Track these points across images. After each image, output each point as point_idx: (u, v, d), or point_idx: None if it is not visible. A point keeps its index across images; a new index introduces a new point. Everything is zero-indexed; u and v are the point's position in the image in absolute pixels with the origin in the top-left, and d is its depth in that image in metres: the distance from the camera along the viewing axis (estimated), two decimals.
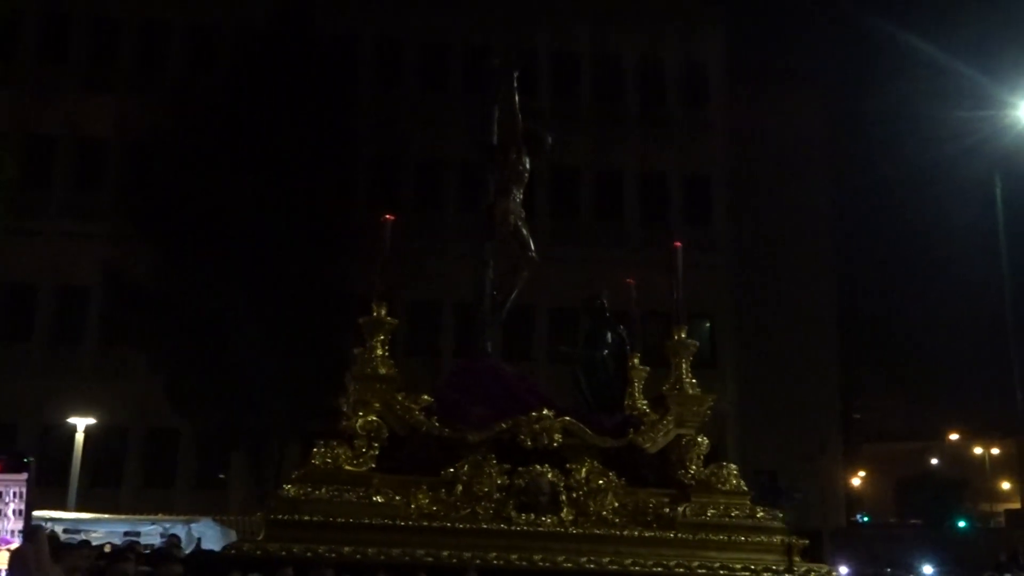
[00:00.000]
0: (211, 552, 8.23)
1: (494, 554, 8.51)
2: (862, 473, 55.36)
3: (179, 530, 16.08)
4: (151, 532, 16.19)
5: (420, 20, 30.35)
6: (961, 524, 36.85)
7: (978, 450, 55.86)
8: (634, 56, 31.25)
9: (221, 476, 27.58)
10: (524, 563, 8.50)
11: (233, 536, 17.95)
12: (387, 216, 9.72)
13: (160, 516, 18.13)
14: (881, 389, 54.42)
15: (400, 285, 9.81)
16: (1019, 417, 24.09)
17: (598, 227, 29.95)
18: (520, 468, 9.06)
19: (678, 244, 10.15)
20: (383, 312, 9.48)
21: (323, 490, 8.65)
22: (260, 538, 8.37)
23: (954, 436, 57.48)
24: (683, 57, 31.56)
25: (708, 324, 28.71)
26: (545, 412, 9.24)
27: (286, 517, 8.44)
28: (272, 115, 23.00)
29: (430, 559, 8.35)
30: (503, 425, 9.19)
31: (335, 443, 9.00)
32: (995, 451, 55.63)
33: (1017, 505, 54.38)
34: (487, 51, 28.90)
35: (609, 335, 10.36)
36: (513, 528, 8.78)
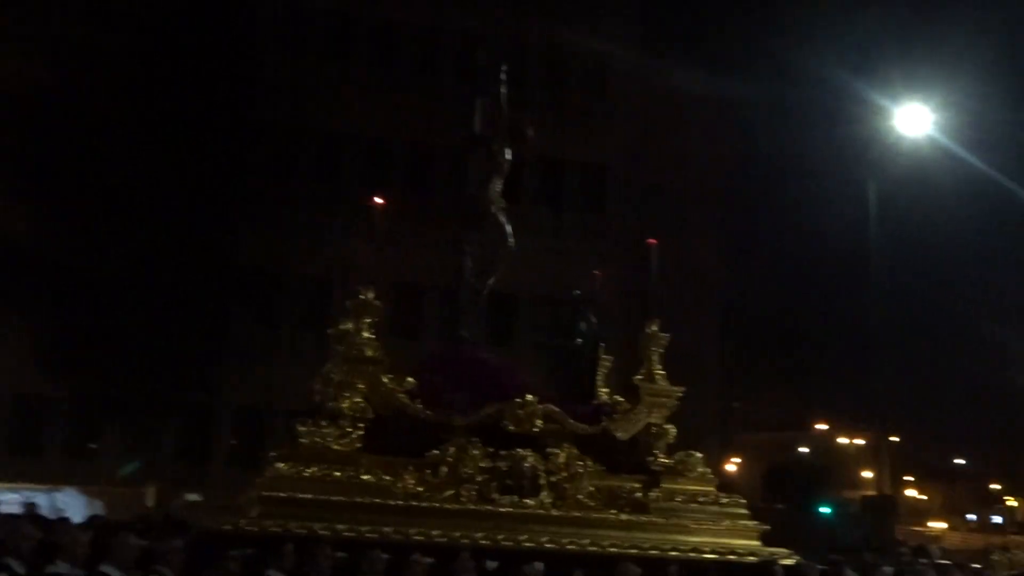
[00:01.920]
0: (209, 529, 8.21)
1: (482, 534, 8.78)
2: (737, 460, 57.72)
3: (42, 499, 15.71)
4: (11, 501, 15.74)
5: None
6: (824, 509, 39.04)
7: (843, 440, 58.74)
8: (540, 44, 31.29)
9: (92, 446, 26.71)
10: (511, 543, 8.80)
11: (99, 507, 17.63)
12: (376, 200, 9.81)
13: (20, 484, 17.61)
14: (760, 380, 56.53)
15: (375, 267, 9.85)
16: (875, 411, 25.67)
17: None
18: (503, 452, 9.36)
19: (653, 241, 10.57)
20: (371, 295, 9.60)
21: (314, 469, 8.75)
22: (254, 515, 8.40)
23: (822, 426, 60.34)
24: (584, 48, 31.69)
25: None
26: (529, 398, 9.56)
27: (279, 495, 8.52)
28: (166, 77, 22.35)
29: (421, 538, 8.56)
30: (489, 410, 9.46)
31: (323, 423, 9.09)
32: (859, 442, 58.63)
33: (870, 494, 58.09)
34: (397, 27, 29.33)
35: (583, 325, 10.73)
36: (498, 510, 9.09)
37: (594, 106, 31.44)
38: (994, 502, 54.78)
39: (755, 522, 9.74)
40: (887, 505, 33.96)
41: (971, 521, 56.79)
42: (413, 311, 26.52)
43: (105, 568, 6.47)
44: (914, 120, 20.59)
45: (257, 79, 26.05)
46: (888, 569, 10.14)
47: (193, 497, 22.80)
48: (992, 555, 13.11)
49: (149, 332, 21.71)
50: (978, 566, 12.67)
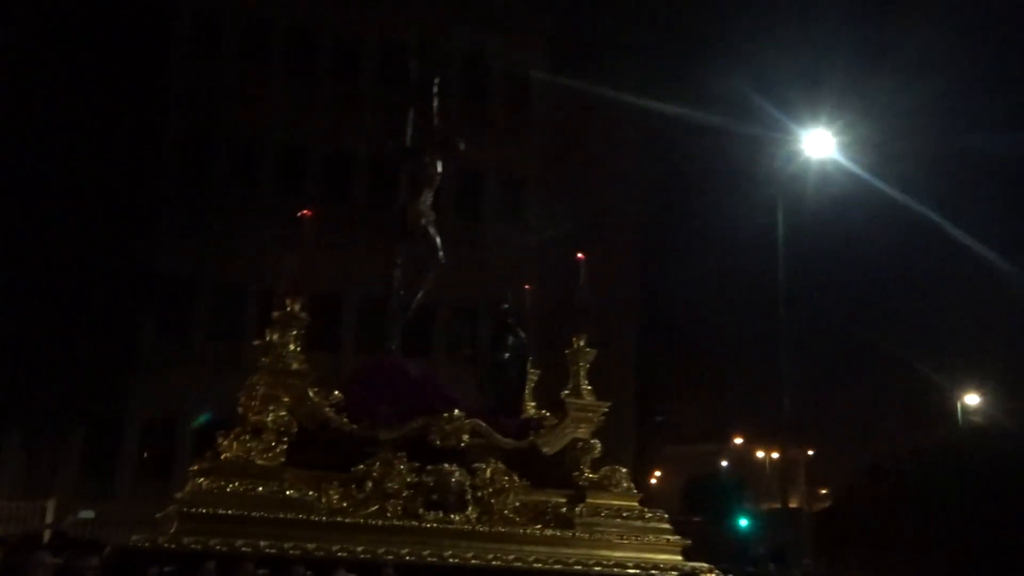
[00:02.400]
0: (126, 546, 7.92)
1: (407, 550, 8.69)
2: (658, 473, 58.56)
3: None
4: None
5: None
6: (743, 522, 39.86)
7: (760, 454, 60.09)
8: (458, 57, 31.36)
9: None
10: (435, 560, 8.73)
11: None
12: (305, 212, 9.68)
13: None
14: (682, 394, 57.41)
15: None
16: (783, 425, 26.39)
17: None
18: (429, 467, 9.29)
19: (582, 256, 10.66)
20: (296, 307, 9.44)
21: (236, 484, 8.54)
22: (172, 531, 8.15)
23: (738, 440, 61.67)
24: (506, 61, 31.97)
25: None
26: (456, 412, 9.51)
27: (200, 511, 8.29)
28: (76, 81, 21.71)
29: (345, 554, 8.43)
30: (415, 424, 9.39)
31: (245, 436, 8.88)
32: (775, 455, 60.06)
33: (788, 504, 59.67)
34: (315, 32, 29.02)
35: (511, 339, 10.74)
36: (423, 525, 9.01)
37: (515, 118, 31.52)
38: None
39: (677, 536, 9.86)
40: (793, 518, 34.83)
41: None
42: (332, 322, 26.17)
43: None
44: (818, 143, 21.40)
45: (171, 84, 25.47)
46: None
47: (86, 514, 22.01)
48: None
49: (54, 340, 20.96)
50: None
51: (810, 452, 58.72)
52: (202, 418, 22.52)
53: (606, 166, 35.69)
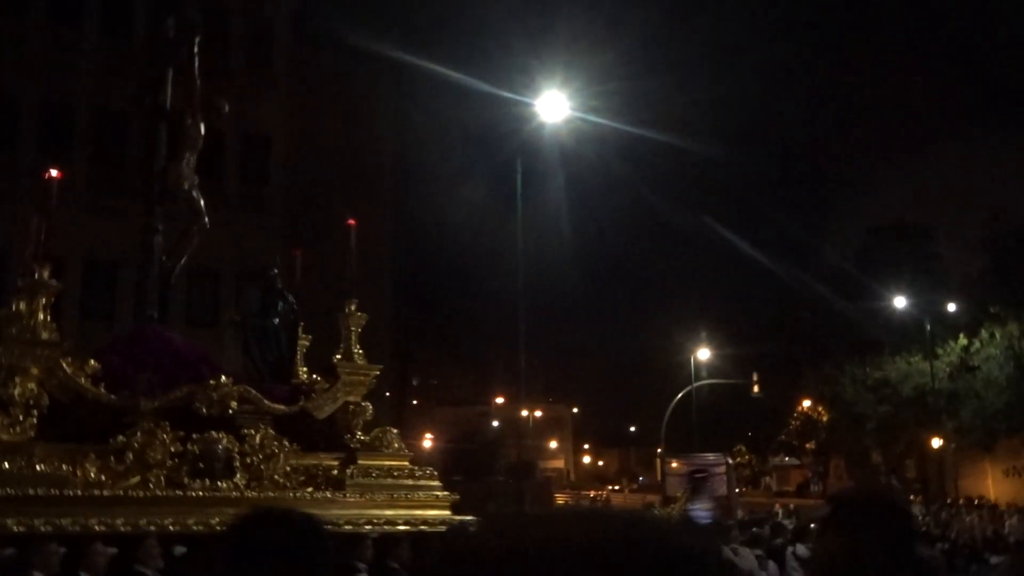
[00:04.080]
0: None
1: (170, 520, 8.49)
2: (430, 436, 59.80)
3: None
4: None
5: None
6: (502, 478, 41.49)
7: (524, 412, 62.49)
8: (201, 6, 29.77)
9: None
10: (202, 528, 8.57)
11: None
12: (52, 172, 9.11)
13: None
14: (443, 359, 58.29)
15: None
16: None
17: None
18: (195, 435, 9.08)
19: (352, 222, 10.68)
20: (46, 274, 8.92)
21: None
22: None
23: (500, 400, 63.80)
24: (249, 15, 30.55)
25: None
26: (223, 379, 9.34)
27: None
28: None
29: (103, 528, 8.12)
30: (179, 392, 9.14)
31: None
32: (538, 413, 62.71)
33: (556, 462, 62.86)
34: None
35: (280, 305, 10.62)
36: (188, 494, 8.82)
37: (258, 74, 30.12)
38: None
39: (446, 493, 10.18)
40: (527, 470, 36.36)
41: (641, 482, 62.50)
42: (107, 290, 24.68)
43: None
44: (553, 106, 20.52)
45: None
46: None
47: None
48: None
49: None
50: None
51: (575, 409, 61.81)
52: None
53: (358, 129, 34.82)
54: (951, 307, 33.87)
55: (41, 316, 8.85)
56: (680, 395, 33.56)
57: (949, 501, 31.82)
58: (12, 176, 23.99)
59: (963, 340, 34.60)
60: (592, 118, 23.53)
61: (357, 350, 10.43)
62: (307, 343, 11.41)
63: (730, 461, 32.32)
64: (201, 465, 8.99)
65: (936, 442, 36.39)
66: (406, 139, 39.90)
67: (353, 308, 10.50)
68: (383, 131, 36.94)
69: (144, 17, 27.39)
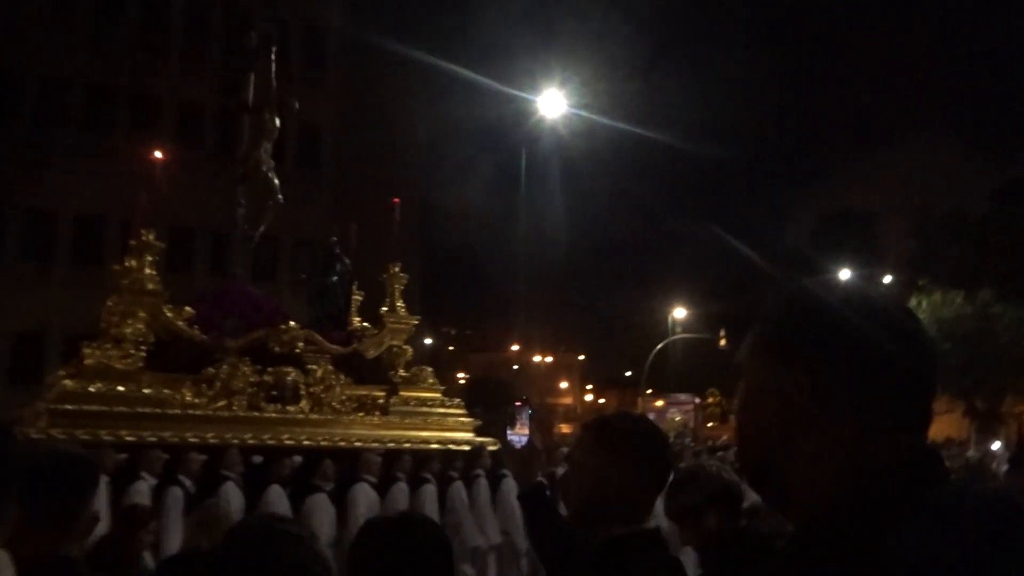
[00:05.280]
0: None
1: (249, 435, 8.81)
2: (462, 375, 60.26)
3: None
4: None
5: None
6: (529, 412, 41.82)
7: (537, 359, 62.76)
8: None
9: None
10: (274, 442, 8.90)
11: None
12: (156, 154, 9.35)
13: None
14: (467, 314, 58.75)
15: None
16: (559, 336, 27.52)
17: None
18: (269, 369, 9.38)
19: (396, 200, 10.87)
20: (151, 237, 9.19)
21: (99, 384, 8.34)
22: (41, 425, 7.89)
23: (515, 347, 64.11)
24: (307, 26, 30.32)
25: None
26: (292, 324, 9.61)
27: (66, 407, 8.06)
28: None
29: (196, 440, 8.45)
30: (257, 334, 9.42)
31: (107, 346, 8.65)
32: (549, 359, 62.82)
33: (566, 399, 63.29)
34: None
35: (338, 266, 10.86)
36: (264, 416, 9.13)
37: (312, 75, 29.76)
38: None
39: (470, 419, 10.45)
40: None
41: None
42: (186, 250, 25.20)
43: None
44: (552, 103, 20.23)
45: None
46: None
47: None
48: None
49: None
50: None
51: (581, 357, 62.02)
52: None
53: (394, 124, 34.86)
54: (887, 279, 33.81)
55: (148, 271, 9.14)
56: (659, 346, 33.83)
57: None
58: (109, 156, 24.56)
59: None
60: (585, 114, 23.56)
61: (400, 304, 10.66)
62: (360, 298, 11.63)
63: (697, 400, 32.86)
64: (274, 392, 9.29)
65: None
66: (432, 130, 40.02)
67: (396, 270, 10.72)
68: (415, 124, 37.10)
69: (223, 26, 27.58)
